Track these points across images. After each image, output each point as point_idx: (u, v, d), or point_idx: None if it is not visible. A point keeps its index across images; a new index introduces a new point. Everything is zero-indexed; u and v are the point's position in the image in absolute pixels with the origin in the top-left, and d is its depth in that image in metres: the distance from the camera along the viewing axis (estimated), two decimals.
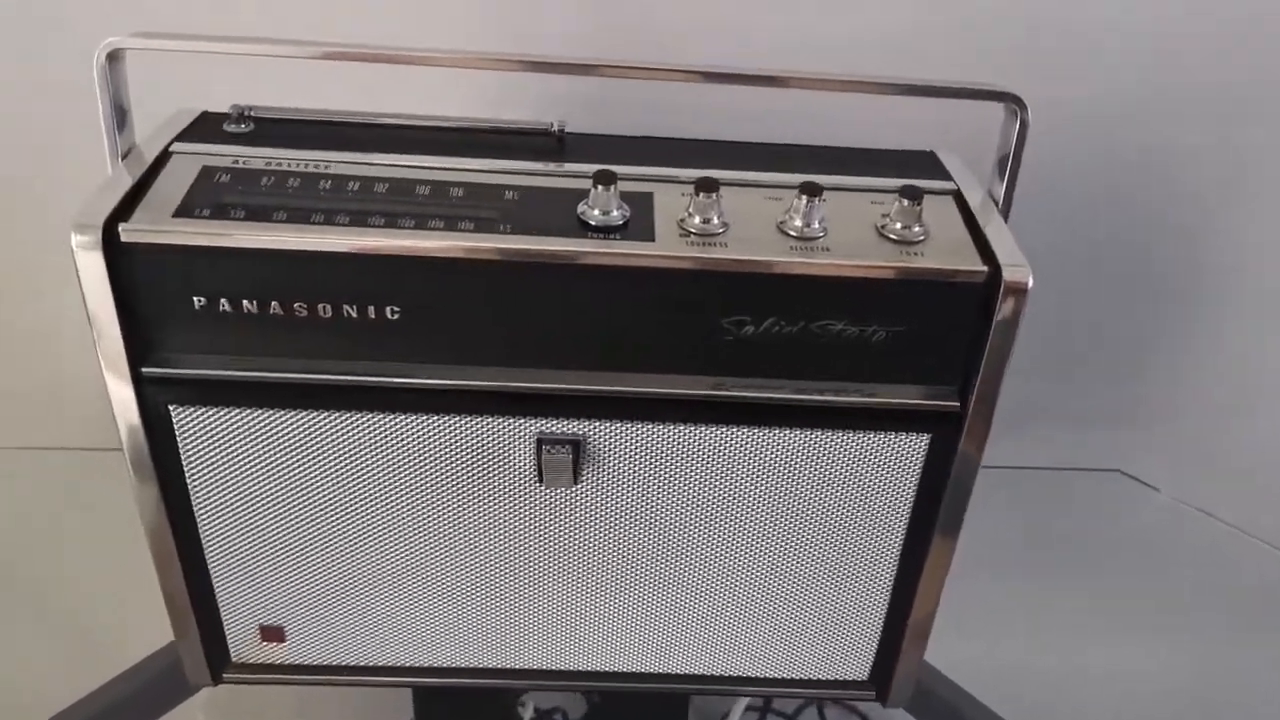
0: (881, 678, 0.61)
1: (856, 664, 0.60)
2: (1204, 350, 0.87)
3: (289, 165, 0.48)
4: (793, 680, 0.61)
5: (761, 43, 0.72)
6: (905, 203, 0.47)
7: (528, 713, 0.68)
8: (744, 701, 0.71)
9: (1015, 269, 0.46)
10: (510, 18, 0.71)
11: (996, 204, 0.51)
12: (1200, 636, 0.80)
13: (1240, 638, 0.81)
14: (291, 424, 0.49)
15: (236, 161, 0.48)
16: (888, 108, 0.71)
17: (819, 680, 0.61)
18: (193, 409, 0.49)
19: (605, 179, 0.46)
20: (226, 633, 0.58)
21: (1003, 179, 0.51)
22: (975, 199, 0.51)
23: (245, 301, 0.46)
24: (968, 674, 0.72)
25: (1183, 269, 0.83)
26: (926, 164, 0.54)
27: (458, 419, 0.50)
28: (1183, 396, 0.90)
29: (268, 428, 0.49)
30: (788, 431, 0.50)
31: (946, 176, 0.53)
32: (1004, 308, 0.46)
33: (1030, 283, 0.46)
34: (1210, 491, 0.92)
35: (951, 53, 0.72)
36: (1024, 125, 0.50)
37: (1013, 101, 0.50)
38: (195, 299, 0.46)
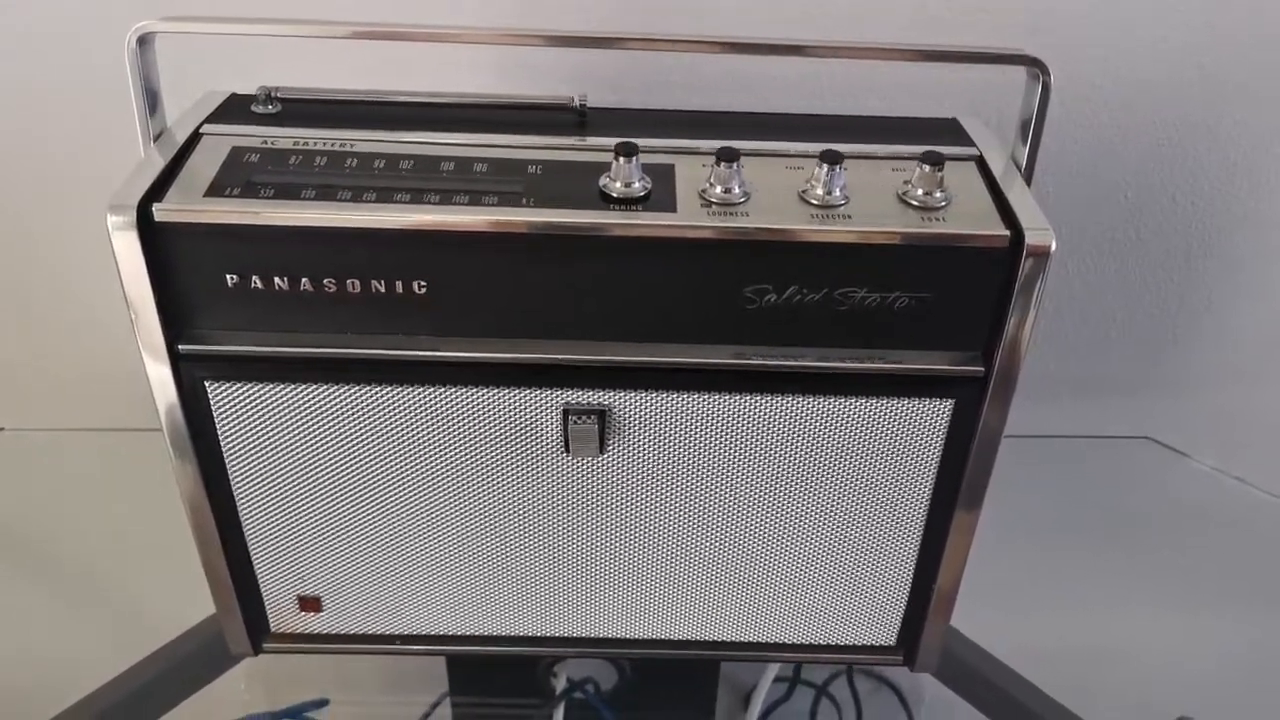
0: (909, 643, 0.61)
1: (884, 629, 0.61)
2: (1233, 314, 0.86)
3: (316, 144, 0.49)
4: (821, 645, 0.61)
5: (788, 10, 0.71)
6: (926, 168, 0.47)
7: (560, 683, 0.69)
8: (772, 671, 0.71)
9: (1038, 232, 0.46)
10: None
11: (1019, 169, 0.51)
12: (1232, 603, 0.80)
13: (1274, 604, 0.81)
14: (324, 398, 0.50)
15: (265, 142, 0.49)
16: (920, 77, 0.71)
17: (847, 645, 0.61)
18: (228, 384, 0.50)
19: (627, 151, 0.47)
20: (265, 604, 0.59)
21: (1025, 144, 0.51)
22: (998, 164, 0.51)
23: (276, 278, 0.47)
24: (996, 641, 0.73)
25: (1212, 232, 0.82)
26: (949, 130, 0.54)
27: (485, 391, 0.50)
28: (1212, 361, 0.89)
29: (301, 402, 0.51)
30: (812, 399, 0.51)
31: (969, 142, 0.52)
32: (1027, 271, 0.46)
33: (1053, 246, 0.45)
34: (1241, 457, 0.91)
35: (975, 19, 0.71)
36: (1046, 89, 0.50)
37: (1034, 65, 0.49)
38: (228, 276, 0.47)
